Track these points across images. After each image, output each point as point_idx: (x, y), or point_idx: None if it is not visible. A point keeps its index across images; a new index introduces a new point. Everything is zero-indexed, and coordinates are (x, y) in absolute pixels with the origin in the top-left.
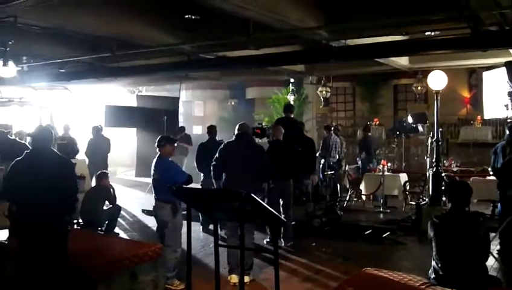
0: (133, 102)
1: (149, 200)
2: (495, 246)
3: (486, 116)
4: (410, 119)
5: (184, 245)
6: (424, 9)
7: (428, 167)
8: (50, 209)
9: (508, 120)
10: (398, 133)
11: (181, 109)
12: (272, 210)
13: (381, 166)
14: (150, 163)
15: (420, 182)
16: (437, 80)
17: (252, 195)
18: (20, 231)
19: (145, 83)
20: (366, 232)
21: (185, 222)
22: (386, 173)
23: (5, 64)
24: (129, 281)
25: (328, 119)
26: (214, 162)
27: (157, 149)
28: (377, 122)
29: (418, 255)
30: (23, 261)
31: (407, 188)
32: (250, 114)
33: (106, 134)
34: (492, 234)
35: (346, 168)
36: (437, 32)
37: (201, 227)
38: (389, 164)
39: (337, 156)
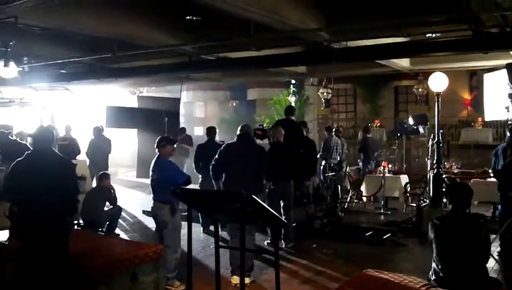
0: (134, 103)
1: (150, 201)
2: (495, 248)
3: (487, 118)
4: (411, 121)
5: (184, 246)
6: (425, 11)
7: (429, 169)
8: (51, 209)
9: (509, 122)
10: (399, 134)
11: (182, 110)
12: (273, 211)
13: (381, 168)
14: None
15: (421, 183)
16: (438, 82)
17: (253, 196)
18: (21, 231)
19: (146, 84)
20: (366, 234)
21: (185, 223)
22: (387, 174)
23: (6, 65)
24: (130, 282)
25: (329, 121)
26: (214, 163)
27: (157, 150)
28: (378, 124)
29: (418, 257)
30: (24, 261)
31: (408, 189)
32: (251, 115)
33: (107, 135)
34: (492, 236)
35: (347, 170)
36: (438, 34)
37: (201, 228)
38: (389, 166)
39: (338, 158)
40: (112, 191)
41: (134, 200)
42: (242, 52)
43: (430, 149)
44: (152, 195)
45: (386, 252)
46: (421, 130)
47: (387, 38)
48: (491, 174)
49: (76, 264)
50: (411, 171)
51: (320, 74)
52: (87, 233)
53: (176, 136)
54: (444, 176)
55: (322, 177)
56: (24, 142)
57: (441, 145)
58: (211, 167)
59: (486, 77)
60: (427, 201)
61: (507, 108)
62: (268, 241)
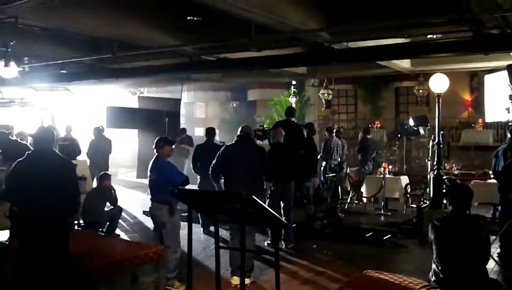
0: (134, 103)
1: (150, 202)
2: (495, 249)
3: (488, 120)
4: (411, 122)
5: (185, 247)
6: (426, 12)
7: (429, 170)
8: (51, 210)
9: (510, 123)
10: (399, 135)
11: (183, 111)
12: (273, 212)
13: (382, 169)
14: None
15: (421, 184)
16: (439, 83)
17: (253, 197)
18: (22, 231)
19: (147, 84)
20: (367, 235)
21: (185, 224)
22: (387, 175)
23: (6, 65)
24: (130, 283)
25: (329, 122)
26: (214, 164)
27: (155, 150)
28: (379, 125)
29: (418, 258)
30: (24, 262)
31: (408, 190)
32: (251, 116)
33: (107, 135)
34: (492, 237)
35: (348, 171)
36: (439, 35)
37: (201, 229)
38: (390, 167)
39: (339, 159)
40: (113, 191)
41: (135, 201)
42: (243, 53)
43: (430, 150)
44: (150, 196)
45: (386, 253)
46: (421, 131)
47: (388, 39)
48: (492, 176)
49: (77, 264)
50: (411, 173)
51: (320, 74)
52: (88, 233)
53: (177, 137)
54: (444, 177)
55: (322, 178)
56: (24, 142)
57: (441, 146)
58: (210, 168)
59: (487, 78)
60: (427, 202)
61: (508, 109)
62: (269, 241)
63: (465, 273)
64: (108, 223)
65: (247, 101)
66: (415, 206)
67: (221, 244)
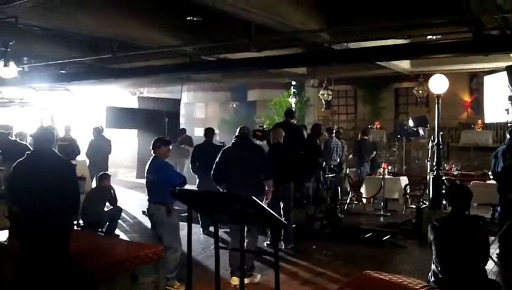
0: (134, 103)
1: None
2: (494, 250)
3: (487, 120)
4: (411, 123)
5: (184, 247)
6: (426, 13)
7: (428, 171)
8: (51, 210)
9: (509, 124)
10: (399, 136)
11: (182, 111)
12: (273, 213)
13: (381, 169)
14: None
15: (421, 185)
16: (438, 84)
17: (253, 197)
18: (22, 232)
19: (147, 85)
20: (366, 235)
21: (185, 224)
22: (387, 176)
23: (6, 65)
24: (130, 283)
25: (329, 122)
26: (215, 167)
27: (152, 151)
28: (378, 126)
29: (418, 259)
30: (24, 262)
31: (408, 191)
32: (251, 116)
33: (107, 135)
34: (491, 238)
35: (347, 171)
36: (438, 36)
37: (201, 229)
38: (389, 167)
39: (338, 159)
40: (112, 191)
41: (134, 201)
42: (243, 53)
43: (430, 151)
44: (147, 196)
45: (386, 253)
46: (421, 132)
47: (388, 40)
48: (491, 177)
49: (77, 265)
50: (411, 173)
51: (320, 75)
52: (87, 234)
53: (176, 137)
54: (443, 178)
55: (322, 179)
56: (24, 142)
57: (440, 147)
58: (212, 172)
59: (487, 79)
60: (427, 203)
61: (507, 110)
62: (268, 242)
63: (464, 273)
64: (107, 224)
65: (247, 101)
66: (414, 206)
67: (220, 244)
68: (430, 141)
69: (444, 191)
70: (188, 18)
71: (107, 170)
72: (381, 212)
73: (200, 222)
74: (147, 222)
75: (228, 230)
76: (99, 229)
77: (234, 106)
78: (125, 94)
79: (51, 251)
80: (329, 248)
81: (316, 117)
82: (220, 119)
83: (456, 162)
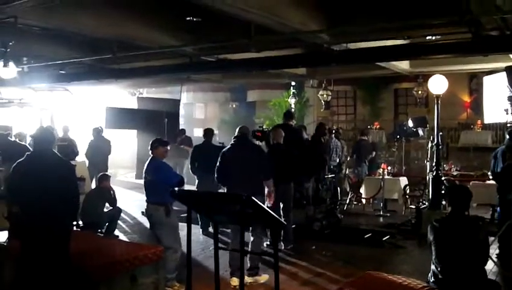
0: (133, 104)
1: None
2: (494, 250)
3: (487, 121)
4: (410, 123)
5: (184, 248)
6: (425, 14)
7: (428, 171)
8: (51, 211)
9: (508, 125)
10: (398, 136)
11: (182, 111)
12: (273, 213)
13: (381, 170)
14: None
15: (420, 185)
16: (438, 84)
17: (253, 198)
18: (22, 232)
19: (146, 85)
20: (366, 236)
21: (184, 225)
22: (386, 176)
23: (5, 65)
24: (129, 284)
25: (329, 123)
26: (217, 168)
27: (150, 152)
28: (378, 126)
29: (417, 259)
30: (24, 263)
31: (407, 191)
32: (251, 117)
33: (107, 136)
34: (491, 238)
35: (347, 172)
36: (438, 37)
37: (200, 230)
38: (389, 168)
39: (338, 160)
40: (112, 192)
41: (134, 202)
42: (242, 54)
43: (429, 151)
44: (146, 197)
45: (385, 254)
46: (420, 132)
47: (388, 40)
48: (490, 177)
49: (76, 265)
50: (410, 174)
51: (320, 75)
52: (87, 234)
53: (176, 138)
54: (443, 178)
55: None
56: (23, 142)
57: (440, 147)
58: (215, 173)
59: (486, 79)
60: (426, 203)
61: (506, 111)
62: (268, 242)
63: (464, 274)
64: (107, 224)
65: (246, 102)
66: (414, 207)
67: (220, 245)
68: (430, 142)
69: (443, 192)
70: (188, 18)
71: (106, 171)
72: (381, 213)
73: (200, 223)
74: (147, 223)
75: (229, 230)
76: (99, 230)
77: (234, 106)
78: (124, 94)
79: (51, 251)
80: (328, 249)
81: (316, 117)
82: (219, 119)
83: (455, 163)
